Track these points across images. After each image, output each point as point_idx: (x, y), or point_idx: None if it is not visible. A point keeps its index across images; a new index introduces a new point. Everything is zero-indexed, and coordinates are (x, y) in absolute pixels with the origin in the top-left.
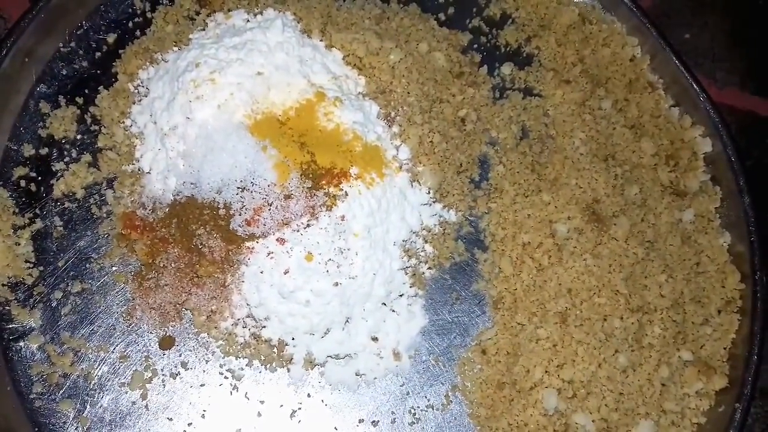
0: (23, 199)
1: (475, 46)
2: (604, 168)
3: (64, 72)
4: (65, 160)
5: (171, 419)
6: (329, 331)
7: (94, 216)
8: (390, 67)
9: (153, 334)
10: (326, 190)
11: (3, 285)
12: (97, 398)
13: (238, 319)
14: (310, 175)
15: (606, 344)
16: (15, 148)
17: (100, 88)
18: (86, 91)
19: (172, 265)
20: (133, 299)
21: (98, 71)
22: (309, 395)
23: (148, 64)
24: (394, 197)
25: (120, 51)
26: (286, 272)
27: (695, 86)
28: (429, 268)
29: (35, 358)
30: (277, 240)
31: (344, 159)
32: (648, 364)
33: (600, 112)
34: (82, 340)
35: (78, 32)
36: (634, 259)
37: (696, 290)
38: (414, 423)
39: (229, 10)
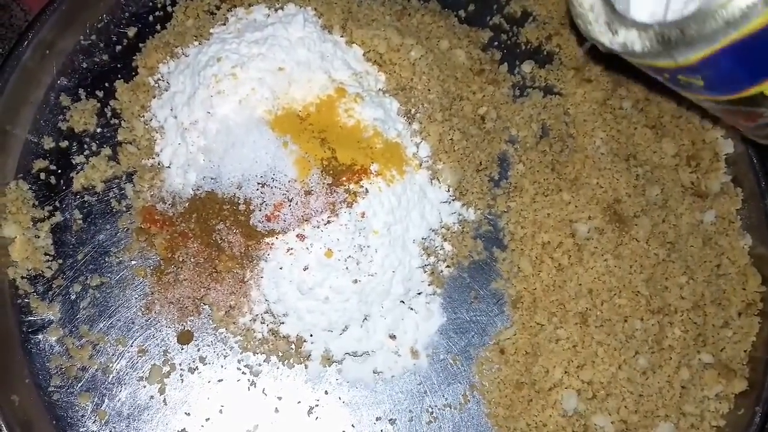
0: (43, 191)
1: (496, 43)
2: (625, 168)
3: (85, 65)
4: (85, 153)
5: (189, 414)
6: (347, 328)
7: (114, 210)
8: (410, 63)
9: (171, 329)
10: (347, 187)
11: (22, 278)
12: (115, 392)
13: (257, 315)
14: (331, 172)
15: (626, 345)
16: (35, 140)
17: (121, 81)
18: (106, 84)
19: (192, 259)
20: (152, 293)
21: (119, 65)
22: (326, 392)
23: (168, 58)
24: (414, 195)
25: (140, 45)
26: (305, 268)
27: None
28: (447, 266)
29: (54, 351)
30: (296, 236)
31: (365, 156)
32: (668, 366)
33: (621, 111)
34: (100, 333)
35: (98, 25)
36: (655, 260)
37: (716, 292)
38: (431, 422)
39: (249, 5)
